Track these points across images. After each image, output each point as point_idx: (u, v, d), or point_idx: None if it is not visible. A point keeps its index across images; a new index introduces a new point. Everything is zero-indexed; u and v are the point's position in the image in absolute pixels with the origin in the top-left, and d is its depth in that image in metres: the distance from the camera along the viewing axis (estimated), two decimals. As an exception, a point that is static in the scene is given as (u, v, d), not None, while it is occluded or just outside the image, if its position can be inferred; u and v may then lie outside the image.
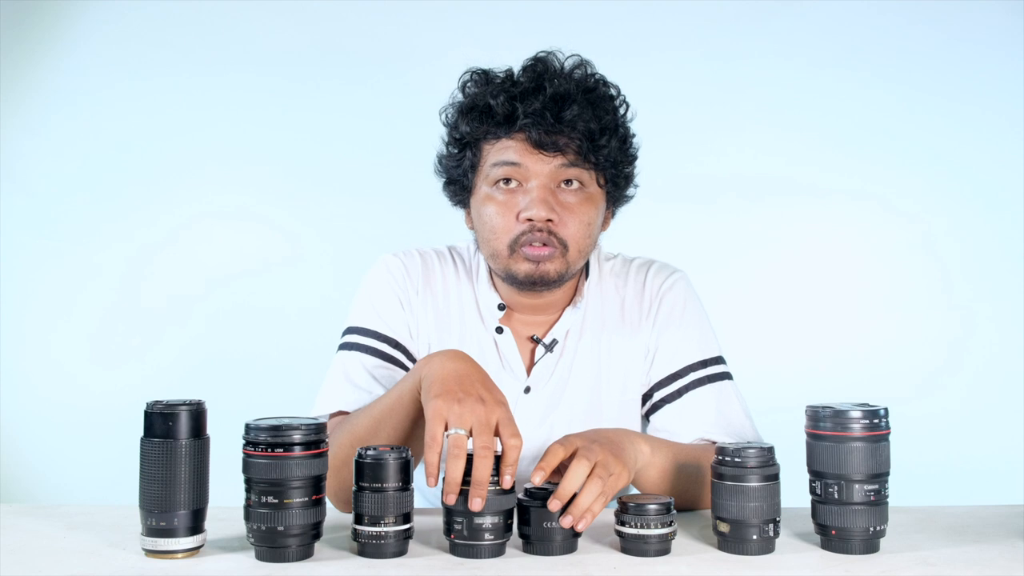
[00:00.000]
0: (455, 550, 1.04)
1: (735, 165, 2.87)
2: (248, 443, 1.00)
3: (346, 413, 1.35)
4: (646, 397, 1.45)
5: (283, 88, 2.88)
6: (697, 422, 1.39)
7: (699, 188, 2.85)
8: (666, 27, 2.88)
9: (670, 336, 1.45)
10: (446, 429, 1.05)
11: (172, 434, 1.00)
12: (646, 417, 1.47)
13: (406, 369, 1.41)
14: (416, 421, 1.20)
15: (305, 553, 1.02)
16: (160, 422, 1.00)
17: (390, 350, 1.41)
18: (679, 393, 1.41)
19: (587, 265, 1.49)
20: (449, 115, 1.43)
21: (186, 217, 2.88)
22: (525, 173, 1.34)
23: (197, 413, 1.02)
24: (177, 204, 2.88)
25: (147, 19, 2.88)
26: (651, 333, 1.46)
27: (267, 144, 2.88)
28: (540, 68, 1.36)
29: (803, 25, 2.87)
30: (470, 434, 1.05)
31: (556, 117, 1.32)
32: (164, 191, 2.88)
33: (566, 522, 1.04)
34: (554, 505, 1.04)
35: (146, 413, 1.01)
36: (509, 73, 1.38)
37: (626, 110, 1.42)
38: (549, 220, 1.32)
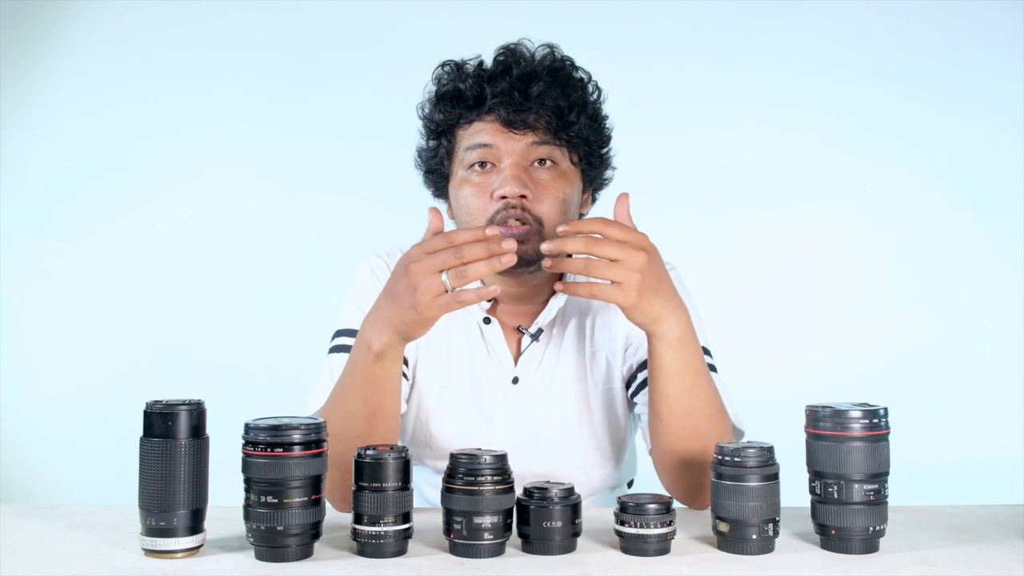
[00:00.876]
0: (454, 550, 1.04)
1: (735, 164, 2.87)
2: (248, 443, 1.00)
3: None
4: (632, 379, 1.45)
5: (283, 88, 2.88)
6: None
7: (699, 187, 2.85)
8: (666, 27, 2.88)
9: None
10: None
11: (171, 434, 1.00)
12: (631, 399, 1.46)
13: None
14: (376, 385, 1.22)
15: (304, 553, 1.02)
16: (159, 422, 1.00)
17: None
18: None
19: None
20: (425, 108, 1.46)
21: (186, 217, 2.89)
22: (497, 153, 1.36)
23: (197, 413, 1.02)
24: (177, 204, 2.88)
25: (147, 19, 2.88)
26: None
27: (267, 144, 2.88)
28: (509, 54, 1.40)
29: (803, 25, 2.87)
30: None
31: (524, 95, 1.35)
32: (164, 191, 2.88)
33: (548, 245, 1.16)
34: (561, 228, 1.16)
35: (145, 413, 1.01)
36: (480, 61, 1.42)
37: (598, 95, 1.44)
38: (523, 196, 1.33)
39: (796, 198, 2.88)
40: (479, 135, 1.37)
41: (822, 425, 1.04)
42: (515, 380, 1.44)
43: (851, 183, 2.86)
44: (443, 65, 1.43)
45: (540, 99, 1.35)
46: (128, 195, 2.87)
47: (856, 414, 1.03)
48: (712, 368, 1.42)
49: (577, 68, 1.43)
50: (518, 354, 1.45)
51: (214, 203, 2.89)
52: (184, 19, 2.88)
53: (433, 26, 2.85)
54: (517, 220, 1.33)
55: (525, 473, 1.39)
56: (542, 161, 1.37)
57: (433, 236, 1.18)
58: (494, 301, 1.45)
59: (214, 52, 2.88)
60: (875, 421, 1.03)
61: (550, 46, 1.42)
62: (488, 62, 1.42)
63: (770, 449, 1.05)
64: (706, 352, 1.43)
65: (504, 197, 1.33)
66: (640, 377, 1.43)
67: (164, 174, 2.87)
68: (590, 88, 1.43)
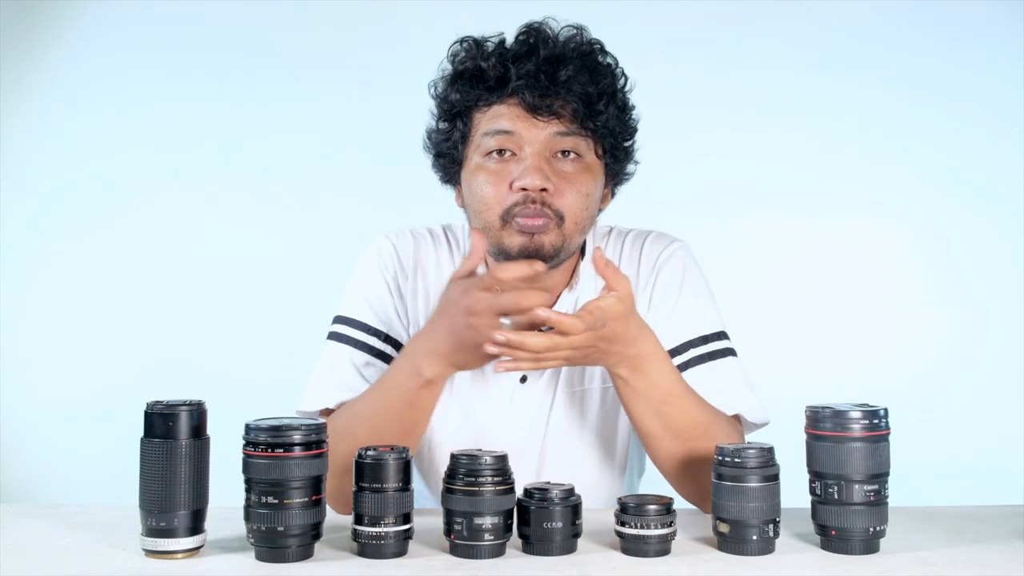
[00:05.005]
0: (455, 550, 1.04)
1: (735, 166, 2.86)
2: (248, 443, 1.00)
3: (332, 410, 1.34)
4: None
5: (282, 88, 2.88)
6: None
7: (699, 189, 2.85)
8: (667, 29, 2.88)
9: (668, 311, 1.38)
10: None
11: (172, 434, 1.00)
12: None
13: None
14: (419, 408, 1.22)
15: (305, 553, 1.02)
16: (160, 422, 1.00)
17: (379, 344, 1.38)
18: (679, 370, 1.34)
19: (583, 246, 1.42)
20: (438, 87, 1.37)
21: (186, 217, 2.88)
22: (518, 141, 1.28)
23: (197, 413, 1.02)
24: (177, 204, 2.88)
25: (147, 20, 2.88)
26: (647, 306, 1.39)
27: (267, 144, 2.88)
28: (534, 34, 1.31)
29: (802, 27, 2.87)
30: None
31: (551, 79, 1.26)
32: (164, 191, 2.88)
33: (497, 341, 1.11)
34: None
35: (146, 413, 1.01)
36: (501, 39, 1.33)
37: (625, 81, 1.36)
38: (544, 190, 1.26)
39: (796, 199, 2.88)
40: (499, 120, 1.29)
41: (822, 426, 1.04)
42: (523, 379, 1.40)
43: (851, 184, 2.86)
44: (461, 41, 1.34)
45: (567, 84, 1.26)
46: (128, 195, 2.87)
47: (856, 415, 1.03)
48: (730, 352, 1.37)
49: (606, 53, 1.34)
50: None
51: (214, 203, 2.88)
52: (184, 20, 2.87)
53: (434, 26, 2.83)
54: (535, 214, 1.26)
55: (532, 475, 1.39)
56: (565, 152, 1.30)
57: (485, 277, 1.14)
58: None
59: (214, 52, 2.88)
60: (875, 422, 1.03)
61: (577, 27, 1.32)
62: (509, 41, 1.32)
63: (770, 450, 1.06)
64: (720, 336, 1.38)
65: (524, 189, 1.26)
66: None
67: (164, 174, 2.87)
68: (618, 74, 1.35)
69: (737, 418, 1.35)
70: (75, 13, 2.88)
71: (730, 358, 1.37)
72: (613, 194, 1.44)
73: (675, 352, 1.36)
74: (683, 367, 1.35)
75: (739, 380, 1.35)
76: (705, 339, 1.37)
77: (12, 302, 2.84)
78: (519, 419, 1.41)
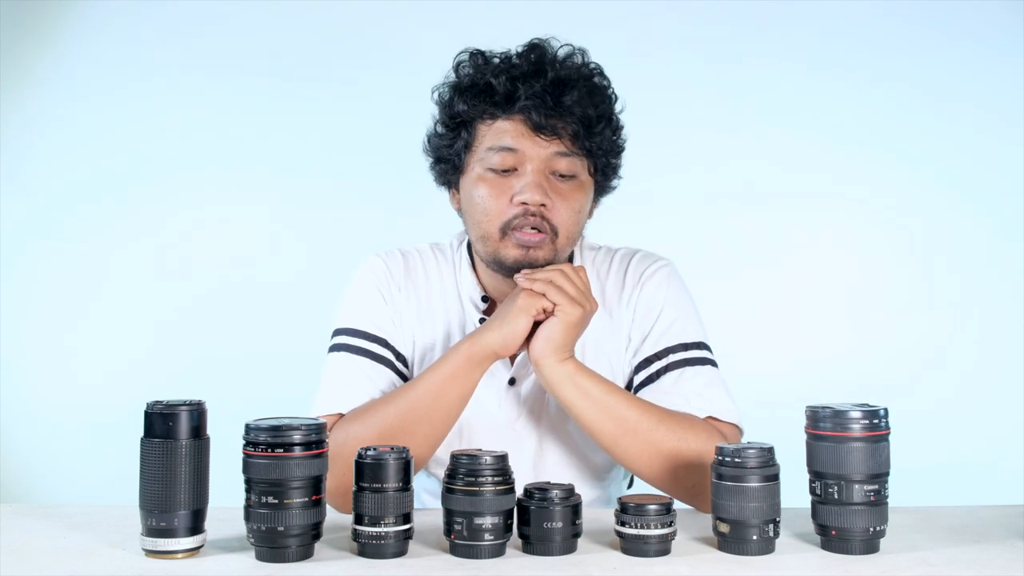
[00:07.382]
0: (455, 550, 1.04)
1: (733, 167, 2.86)
2: (248, 443, 1.00)
3: (343, 415, 1.35)
4: (628, 384, 1.43)
5: (286, 90, 2.89)
6: (678, 402, 1.34)
7: (698, 190, 2.85)
8: (664, 30, 2.89)
9: (650, 321, 1.43)
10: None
11: (172, 434, 1.00)
12: None
13: (396, 369, 1.41)
14: (459, 382, 1.29)
15: (305, 553, 1.02)
16: (160, 422, 1.00)
17: (380, 350, 1.41)
18: (658, 374, 1.38)
19: (571, 255, 1.48)
20: (444, 94, 1.41)
21: (186, 217, 2.89)
22: (521, 158, 1.34)
23: (197, 413, 1.02)
24: (177, 205, 2.89)
25: (147, 21, 2.88)
26: (631, 319, 1.44)
27: (268, 144, 2.88)
28: (539, 52, 1.37)
29: (800, 29, 2.87)
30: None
31: (556, 101, 1.32)
32: (164, 192, 2.88)
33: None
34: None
35: (146, 413, 1.01)
36: (507, 55, 1.38)
37: (618, 103, 1.43)
38: (543, 205, 1.32)
39: (795, 200, 2.88)
40: (504, 137, 1.34)
41: (822, 426, 1.04)
42: (512, 382, 1.43)
43: (850, 185, 2.86)
44: (471, 55, 1.39)
45: (571, 108, 1.33)
46: (128, 196, 2.87)
47: (856, 415, 1.03)
48: (709, 362, 1.40)
49: (604, 76, 1.41)
50: (515, 355, 1.44)
51: (215, 203, 2.89)
52: (185, 20, 2.88)
53: (432, 27, 2.84)
54: (533, 228, 1.32)
55: (526, 477, 1.39)
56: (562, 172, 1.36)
57: None
58: (491, 302, 1.45)
59: (215, 53, 2.88)
60: (875, 422, 1.03)
61: (580, 50, 1.39)
62: (510, 51, 1.38)
63: (770, 450, 1.06)
64: (700, 346, 1.41)
65: (524, 204, 1.32)
66: (636, 381, 1.41)
67: (164, 175, 2.88)
68: (613, 97, 1.41)
69: (723, 422, 1.35)
70: (76, 13, 2.88)
71: (710, 367, 1.40)
72: (597, 204, 1.50)
73: (655, 357, 1.40)
74: (662, 371, 1.39)
75: (716, 385, 1.38)
76: (685, 346, 1.40)
77: (13, 302, 2.84)
78: (507, 421, 1.42)
